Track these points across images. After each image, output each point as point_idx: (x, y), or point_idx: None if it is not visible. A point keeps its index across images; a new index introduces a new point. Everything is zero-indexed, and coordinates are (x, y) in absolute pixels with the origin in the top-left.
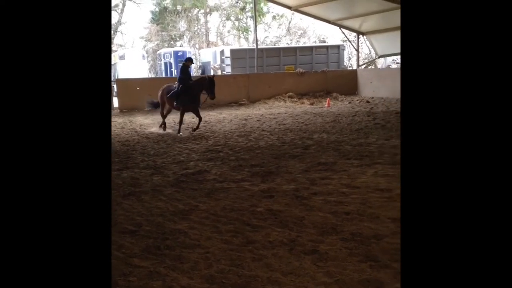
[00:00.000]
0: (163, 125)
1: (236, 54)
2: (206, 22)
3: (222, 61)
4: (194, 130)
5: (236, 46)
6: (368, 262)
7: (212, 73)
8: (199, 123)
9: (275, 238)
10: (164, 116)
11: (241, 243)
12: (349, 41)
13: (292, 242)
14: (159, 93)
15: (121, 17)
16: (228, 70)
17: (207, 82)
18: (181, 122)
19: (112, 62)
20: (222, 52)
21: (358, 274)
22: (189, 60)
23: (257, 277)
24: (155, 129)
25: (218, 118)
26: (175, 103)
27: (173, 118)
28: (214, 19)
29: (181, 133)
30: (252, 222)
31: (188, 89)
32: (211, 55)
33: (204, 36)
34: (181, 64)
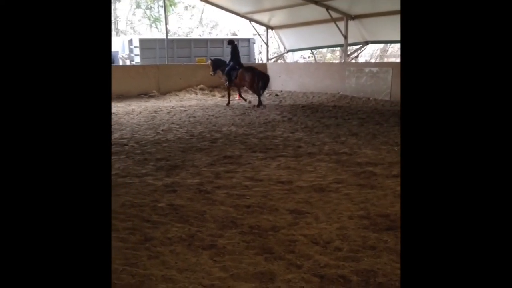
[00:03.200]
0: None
1: (146, 44)
2: (115, 9)
3: (131, 50)
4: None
5: (146, 35)
6: (264, 255)
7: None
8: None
9: (174, 234)
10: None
11: (138, 241)
12: (259, 35)
13: (191, 237)
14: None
15: None
16: (137, 60)
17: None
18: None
19: None
20: (130, 42)
21: (253, 267)
22: (229, 43)
23: (152, 275)
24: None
25: (127, 110)
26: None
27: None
28: (124, 7)
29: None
30: (152, 218)
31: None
32: (120, 45)
33: (113, 24)
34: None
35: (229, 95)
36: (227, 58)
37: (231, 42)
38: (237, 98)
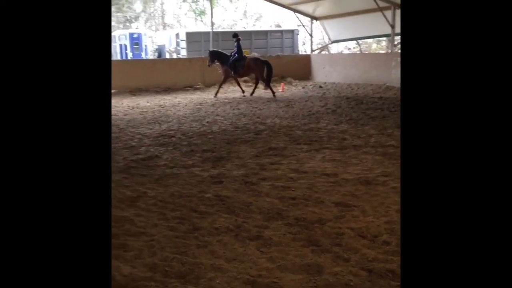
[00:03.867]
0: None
1: (192, 37)
2: (162, 3)
3: (178, 44)
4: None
5: (192, 29)
6: (310, 247)
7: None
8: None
9: (221, 224)
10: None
11: (187, 230)
12: (303, 26)
13: (237, 228)
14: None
15: None
16: (183, 53)
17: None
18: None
19: None
20: (177, 35)
21: (299, 259)
22: (233, 37)
23: (201, 264)
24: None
25: (173, 103)
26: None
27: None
28: (171, 1)
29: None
30: (199, 208)
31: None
32: (167, 38)
33: (160, 18)
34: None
35: (239, 84)
36: (270, 50)
37: (235, 35)
38: (281, 90)
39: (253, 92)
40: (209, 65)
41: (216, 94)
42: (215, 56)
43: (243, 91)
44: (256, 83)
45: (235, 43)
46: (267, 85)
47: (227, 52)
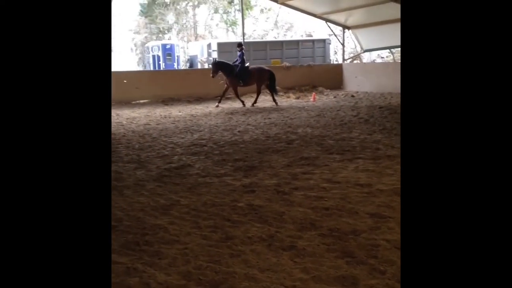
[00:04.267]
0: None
1: (223, 48)
2: (194, 15)
3: (209, 54)
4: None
5: (223, 39)
6: (345, 258)
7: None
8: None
9: (254, 233)
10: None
11: (220, 239)
12: (335, 35)
13: (271, 237)
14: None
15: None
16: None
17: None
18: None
19: None
20: (209, 46)
21: (334, 270)
22: (238, 46)
23: (235, 273)
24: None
25: (205, 112)
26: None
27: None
28: (203, 12)
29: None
30: (232, 217)
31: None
32: (198, 49)
33: (192, 29)
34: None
35: (237, 96)
36: (302, 60)
37: (239, 45)
38: (312, 99)
39: (255, 102)
40: (212, 76)
41: (218, 103)
42: (218, 67)
43: (243, 103)
44: (258, 93)
45: (238, 53)
46: (272, 94)
47: (231, 62)
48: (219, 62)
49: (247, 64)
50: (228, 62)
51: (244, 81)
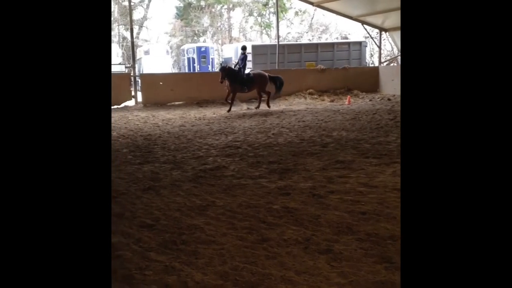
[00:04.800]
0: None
1: (258, 50)
2: (229, 17)
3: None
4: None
5: (258, 42)
6: (383, 264)
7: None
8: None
9: (290, 236)
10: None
11: (256, 241)
12: (371, 38)
13: (306, 240)
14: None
15: (146, 12)
16: (249, 66)
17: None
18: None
19: (137, 57)
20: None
21: (372, 276)
22: (242, 49)
23: (271, 275)
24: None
25: (238, 114)
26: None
27: (194, 113)
28: (237, 15)
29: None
30: (267, 219)
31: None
32: (233, 51)
33: (227, 32)
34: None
35: (231, 100)
36: (337, 63)
37: (244, 48)
38: (347, 102)
39: (258, 106)
40: (221, 82)
41: (229, 109)
42: (226, 72)
43: (230, 109)
44: (260, 97)
45: (241, 56)
46: (268, 97)
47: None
48: (226, 68)
49: (248, 70)
50: (234, 68)
51: (248, 88)
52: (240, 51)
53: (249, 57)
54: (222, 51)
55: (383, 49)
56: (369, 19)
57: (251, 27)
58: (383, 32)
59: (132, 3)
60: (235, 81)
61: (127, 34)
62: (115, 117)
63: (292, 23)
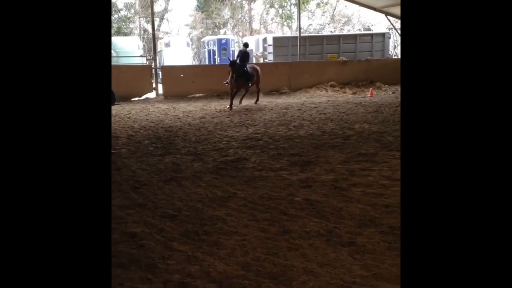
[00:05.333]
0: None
1: (279, 42)
2: (250, 9)
3: (265, 49)
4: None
5: (279, 34)
6: None
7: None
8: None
9: (312, 228)
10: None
11: (277, 232)
12: (395, 29)
13: (329, 233)
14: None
15: (167, 4)
16: (270, 58)
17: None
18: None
19: (158, 49)
20: (264, 40)
21: (396, 269)
22: (246, 46)
23: (293, 266)
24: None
25: (259, 106)
26: (227, 82)
27: (214, 105)
28: (258, 7)
29: (234, 107)
30: (289, 211)
31: (238, 69)
32: (253, 43)
33: (247, 23)
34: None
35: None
36: (359, 55)
37: (247, 45)
38: (369, 95)
39: (257, 99)
40: (232, 78)
41: (239, 103)
42: (235, 68)
43: (232, 106)
44: (258, 90)
45: (243, 51)
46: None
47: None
48: (236, 62)
49: (248, 66)
50: (240, 64)
51: (251, 83)
52: (261, 43)
53: (270, 49)
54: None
55: None
56: (393, 9)
57: (272, 19)
58: None
59: None
60: (242, 76)
61: (148, 27)
62: (136, 108)
63: (313, 14)
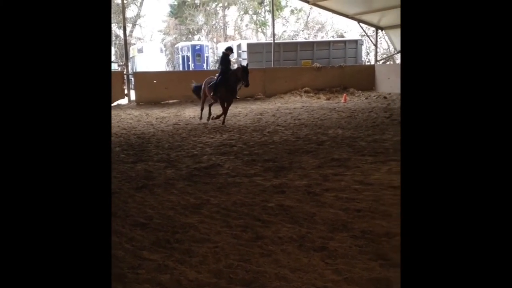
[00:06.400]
0: (208, 116)
1: (253, 48)
2: (224, 16)
3: (239, 55)
4: (214, 118)
5: (253, 40)
6: (378, 261)
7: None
8: (224, 116)
9: (285, 234)
10: (202, 108)
11: (250, 238)
12: (368, 36)
13: (301, 238)
14: (202, 85)
15: (140, 10)
16: (244, 64)
17: (241, 71)
18: (225, 112)
19: (131, 55)
20: (239, 46)
21: (367, 273)
22: (229, 50)
23: (265, 273)
24: (202, 120)
25: (234, 112)
26: (212, 94)
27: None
28: (232, 13)
29: (224, 124)
30: (262, 217)
31: (226, 80)
32: None
33: (222, 30)
34: (220, 54)
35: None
36: (333, 61)
37: (229, 49)
38: (343, 100)
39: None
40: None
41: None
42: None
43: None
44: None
45: (224, 56)
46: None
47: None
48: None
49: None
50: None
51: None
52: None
53: (244, 56)
54: (217, 49)
55: (379, 47)
56: (366, 17)
57: (246, 25)
58: (379, 31)
59: (125, 1)
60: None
61: (120, 32)
62: None
63: (288, 21)
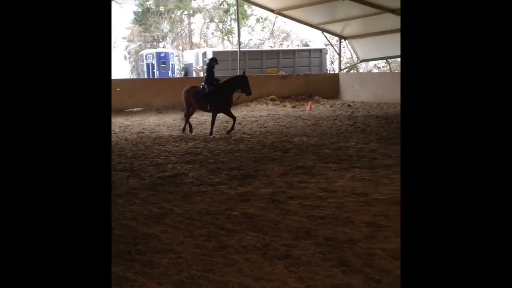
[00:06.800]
0: (189, 128)
1: (219, 56)
2: (190, 23)
3: (205, 63)
4: (229, 132)
5: (219, 48)
6: (341, 267)
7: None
8: (233, 123)
9: (249, 242)
10: (187, 120)
11: (214, 248)
12: (331, 45)
13: (265, 246)
14: (183, 95)
15: None
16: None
17: (242, 80)
18: (213, 123)
19: None
20: (204, 54)
21: (329, 279)
22: (214, 60)
23: (229, 282)
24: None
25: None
26: (208, 106)
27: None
28: (198, 21)
29: (213, 135)
30: (227, 226)
31: (221, 89)
32: (193, 57)
33: (187, 37)
34: (206, 65)
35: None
36: (298, 69)
37: (214, 60)
38: (308, 109)
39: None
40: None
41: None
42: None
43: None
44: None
45: (207, 67)
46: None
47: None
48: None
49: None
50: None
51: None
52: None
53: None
54: (182, 57)
55: (343, 56)
56: (329, 27)
57: (212, 33)
58: (342, 40)
59: None
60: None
61: None
62: None
63: (253, 29)
